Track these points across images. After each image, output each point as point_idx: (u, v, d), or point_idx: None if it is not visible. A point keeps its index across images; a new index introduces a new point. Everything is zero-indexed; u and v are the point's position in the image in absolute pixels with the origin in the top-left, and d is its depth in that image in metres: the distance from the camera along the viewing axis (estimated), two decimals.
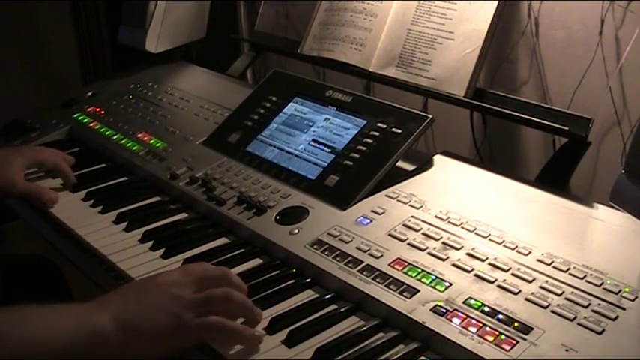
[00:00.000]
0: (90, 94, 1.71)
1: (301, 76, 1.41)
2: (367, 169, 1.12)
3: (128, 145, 1.42)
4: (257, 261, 1.05)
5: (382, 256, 0.96)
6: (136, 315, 0.83)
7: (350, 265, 0.95)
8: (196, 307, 0.84)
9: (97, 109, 1.62)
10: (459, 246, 0.95)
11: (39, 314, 0.81)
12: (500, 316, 0.82)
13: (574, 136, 1.13)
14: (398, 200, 1.07)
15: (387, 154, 1.13)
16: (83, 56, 2.47)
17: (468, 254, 0.94)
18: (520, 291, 0.86)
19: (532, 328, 0.80)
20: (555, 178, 1.13)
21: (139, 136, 1.44)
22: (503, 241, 0.95)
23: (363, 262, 0.95)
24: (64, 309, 0.84)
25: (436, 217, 1.02)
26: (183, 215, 1.20)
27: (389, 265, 0.94)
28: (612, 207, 0.95)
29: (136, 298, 0.85)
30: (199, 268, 0.92)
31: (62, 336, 0.79)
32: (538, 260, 0.91)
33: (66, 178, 1.29)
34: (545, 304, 0.83)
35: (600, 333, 0.79)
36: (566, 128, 1.13)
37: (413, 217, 1.03)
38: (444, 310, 0.84)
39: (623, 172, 0.91)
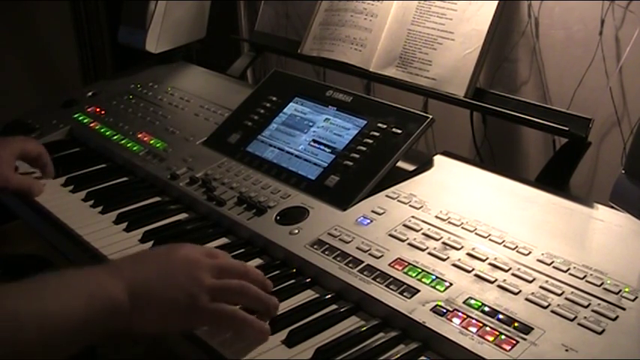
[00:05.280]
0: (90, 94, 1.71)
1: (301, 76, 1.41)
2: (367, 170, 1.12)
3: (128, 145, 1.42)
4: (257, 261, 1.05)
5: (382, 256, 0.96)
6: (151, 285, 0.82)
7: (350, 265, 0.95)
8: (212, 293, 0.84)
9: (97, 109, 1.62)
10: (459, 246, 0.95)
11: (52, 288, 0.78)
12: (501, 316, 0.82)
13: (574, 136, 1.13)
14: (398, 200, 1.07)
15: (387, 154, 1.13)
16: (83, 56, 2.47)
17: (468, 254, 0.94)
18: (520, 291, 0.86)
19: (532, 328, 0.80)
20: (555, 178, 1.13)
21: (139, 136, 1.44)
22: (504, 241, 0.95)
23: (363, 262, 0.95)
24: (77, 279, 0.81)
25: (436, 217, 1.02)
26: (183, 215, 1.20)
27: (389, 265, 0.94)
28: (612, 207, 0.95)
29: (155, 267, 0.84)
30: (222, 255, 0.93)
31: (76, 309, 0.77)
32: (538, 260, 0.91)
33: (48, 167, 1.29)
34: (546, 304, 0.83)
35: (600, 333, 0.79)
36: (566, 128, 1.13)
37: (413, 217, 1.03)
38: (444, 310, 0.84)
39: (623, 172, 0.91)
